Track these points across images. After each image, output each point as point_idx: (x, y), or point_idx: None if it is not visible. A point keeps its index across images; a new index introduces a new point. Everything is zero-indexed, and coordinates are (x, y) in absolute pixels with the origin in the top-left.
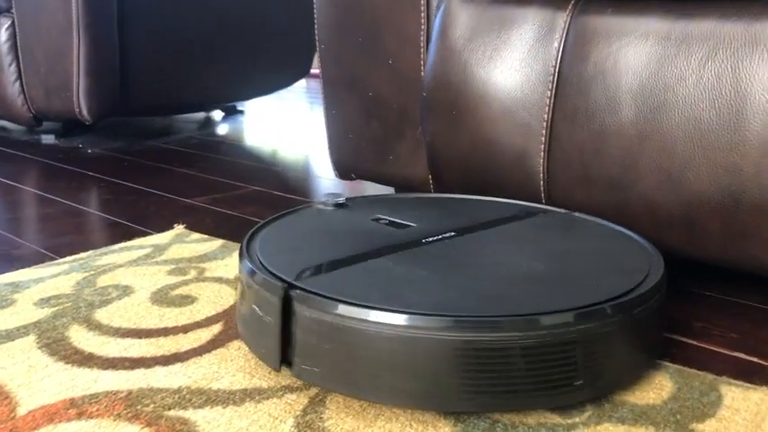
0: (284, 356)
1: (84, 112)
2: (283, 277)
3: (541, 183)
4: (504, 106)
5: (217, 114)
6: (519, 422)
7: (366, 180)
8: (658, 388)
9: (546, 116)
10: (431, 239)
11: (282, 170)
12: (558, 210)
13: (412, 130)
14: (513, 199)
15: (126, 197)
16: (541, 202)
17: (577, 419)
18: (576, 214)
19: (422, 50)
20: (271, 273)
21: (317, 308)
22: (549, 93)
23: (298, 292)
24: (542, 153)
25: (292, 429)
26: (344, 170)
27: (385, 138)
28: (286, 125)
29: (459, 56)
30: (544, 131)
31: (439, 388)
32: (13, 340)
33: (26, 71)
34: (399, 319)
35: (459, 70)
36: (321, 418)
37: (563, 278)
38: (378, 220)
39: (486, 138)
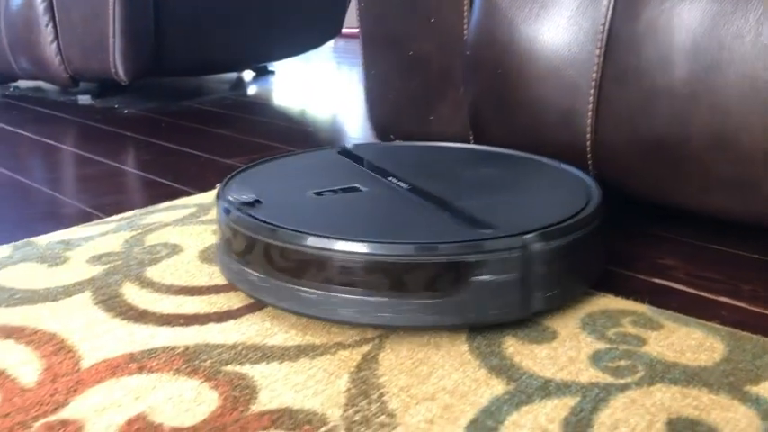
0: None
1: (120, 72)
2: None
3: (588, 142)
4: (551, 65)
5: (247, 75)
6: (571, 381)
7: (405, 140)
8: (710, 350)
9: (594, 75)
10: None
11: (315, 131)
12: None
13: (453, 89)
14: (559, 158)
15: (165, 158)
16: (587, 162)
17: (629, 379)
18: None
19: (465, 8)
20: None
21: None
22: (598, 51)
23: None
24: (590, 113)
25: (348, 384)
26: (383, 130)
27: (425, 97)
28: (316, 86)
29: (505, 13)
30: (592, 91)
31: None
32: (70, 296)
33: (63, 32)
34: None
35: (504, 28)
36: (375, 374)
37: (536, 202)
38: (320, 194)
39: (531, 97)
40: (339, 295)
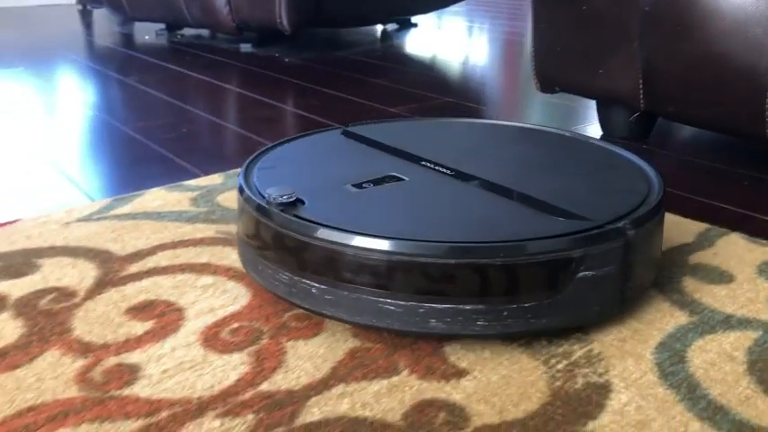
0: None
1: (285, 22)
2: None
3: None
4: (736, 22)
5: (392, 27)
6: (752, 318)
7: (569, 93)
8: None
9: None
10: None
11: (464, 82)
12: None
13: (626, 43)
14: (735, 118)
15: (332, 104)
16: (764, 120)
17: None
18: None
19: None
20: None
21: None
22: None
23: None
24: None
25: None
26: (548, 83)
27: (596, 51)
28: (456, 39)
29: None
30: None
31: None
32: None
33: None
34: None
35: None
36: None
37: (598, 185)
38: (360, 186)
39: (712, 54)
40: (427, 305)
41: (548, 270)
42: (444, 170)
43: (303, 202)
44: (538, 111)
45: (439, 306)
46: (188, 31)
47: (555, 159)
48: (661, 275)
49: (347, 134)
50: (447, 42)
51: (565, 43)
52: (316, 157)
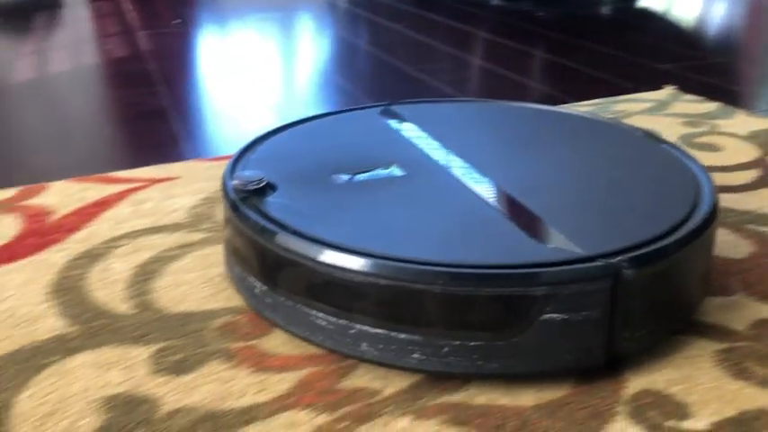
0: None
1: None
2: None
3: None
4: None
5: None
6: None
7: None
8: None
9: None
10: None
11: (726, 42)
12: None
13: None
14: None
15: (598, 57)
16: None
17: None
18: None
19: None
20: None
21: None
22: None
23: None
24: None
25: None
26: None
27: None
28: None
29: None
30: None
31: None
32: None
33: None
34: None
35: None
36: None
37: (630, 199)
38: (351, 176)
39: None
40: (358, 326)
41: (498, 307)
42: (455, 168)
43: (274, 190)
44: None
45: (370, 330)
46: None
47: (599, 166)
48: None
49: (386, 113)
50: (694, 3)
51: None
52: (331, 138)
